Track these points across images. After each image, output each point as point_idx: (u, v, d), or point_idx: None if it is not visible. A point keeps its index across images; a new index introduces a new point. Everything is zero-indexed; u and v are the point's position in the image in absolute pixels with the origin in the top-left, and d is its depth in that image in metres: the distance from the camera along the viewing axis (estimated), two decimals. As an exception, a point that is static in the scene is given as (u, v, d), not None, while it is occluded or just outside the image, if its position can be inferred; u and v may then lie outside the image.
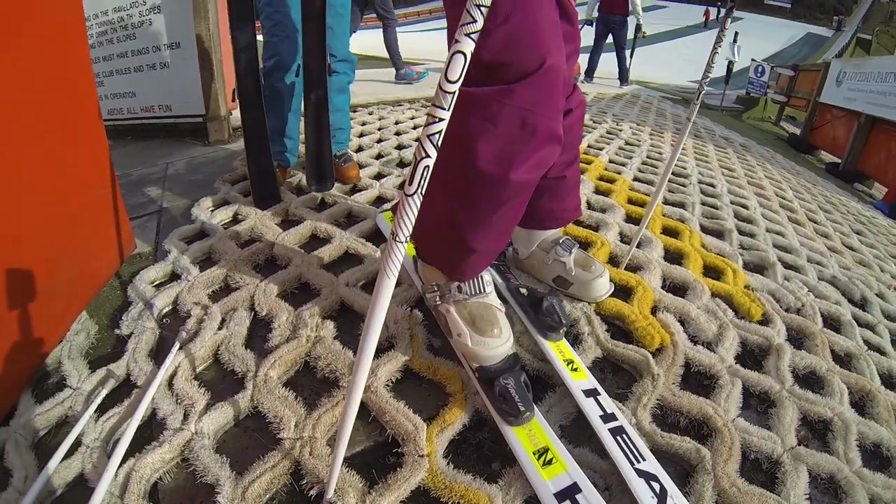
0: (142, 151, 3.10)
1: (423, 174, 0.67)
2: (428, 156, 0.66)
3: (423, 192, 0.68)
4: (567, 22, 1.07)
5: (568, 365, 1.22)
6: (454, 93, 0.63)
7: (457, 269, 1.16)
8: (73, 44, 1.41)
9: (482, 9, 0.60)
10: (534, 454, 1.01)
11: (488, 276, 1.21)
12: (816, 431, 1.27)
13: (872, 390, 1.41)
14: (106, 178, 1.57)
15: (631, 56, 8.57)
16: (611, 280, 1.54)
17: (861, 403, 1.39)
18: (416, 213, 0.69)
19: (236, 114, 3.43)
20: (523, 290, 1.39)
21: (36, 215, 1.24)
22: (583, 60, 7.74)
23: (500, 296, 1.40)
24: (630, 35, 8.46)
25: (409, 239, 0.71)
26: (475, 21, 0.61)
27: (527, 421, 1.06)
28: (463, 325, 1.14)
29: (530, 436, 1.05)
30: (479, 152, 0.94)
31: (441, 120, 0.64)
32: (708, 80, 1.38)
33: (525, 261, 1.56)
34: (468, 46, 0.62)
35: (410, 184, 0.67)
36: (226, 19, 3.15)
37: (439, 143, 0.65)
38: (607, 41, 8.13)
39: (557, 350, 1.26)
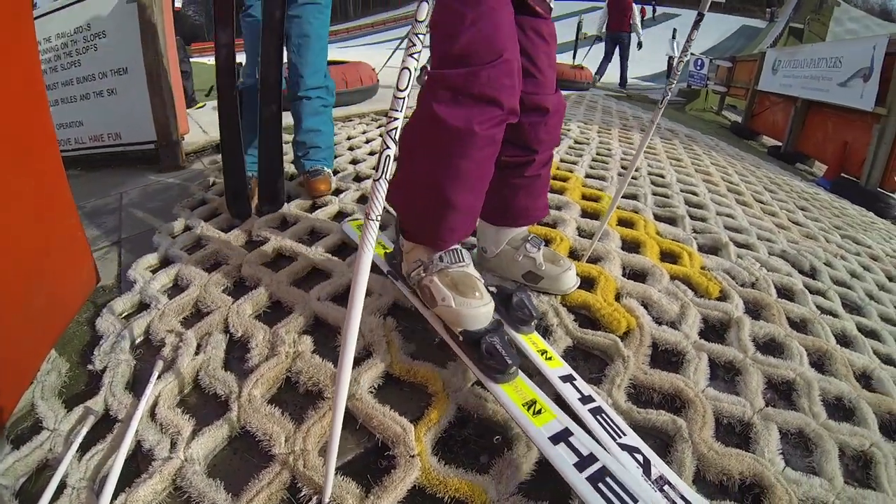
0: (93, 182, 3.04)
1: (385, 163, 0.83)
2: (388, 147, 0.83)
3: (388, 177, 0.84)
4: (541, 38, 1.33)
5: (542, 355, 1.26)
6: (404, 98, 0.82)
7: (439, 235, 1.25)
8: (27, 72, 1.38)
9: (420, 36, 0.82)
10: (523, 406, 1.07)
11: (466, 252, 1.30)
12: (782, 392, 1.35)
13: (829, 350, 1.50)
14: (66, 210, 1.54)
15: (573, 58, 9.24)
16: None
17: (820, 363, 1.48)
18: (383, 195, 0.83)
19: (189, 138, 3.45)
20: (492, 289, 1.42)
21: None
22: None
23: None
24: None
25: (379, 217, 0.84)
26: (415, 45, 0.82)
27: (514, 376, 1.12)
28: (446, 290, 1.21)
29: (517, 390, 1.10)
30: (450, 115, 1.11)
31: (396, 119, 0.83)
32: (674, 85, 1.53)
33: (493, 259, 1.60)
34: (412, 64, 0.83)
35: (377, 171, 0.83)
36: (173, 44, 3.15)
37: (397, 137, 0.83)
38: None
39: (531, 342, 1.30)
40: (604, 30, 10.71)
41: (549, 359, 1.25)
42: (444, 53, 1.12)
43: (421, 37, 0.83)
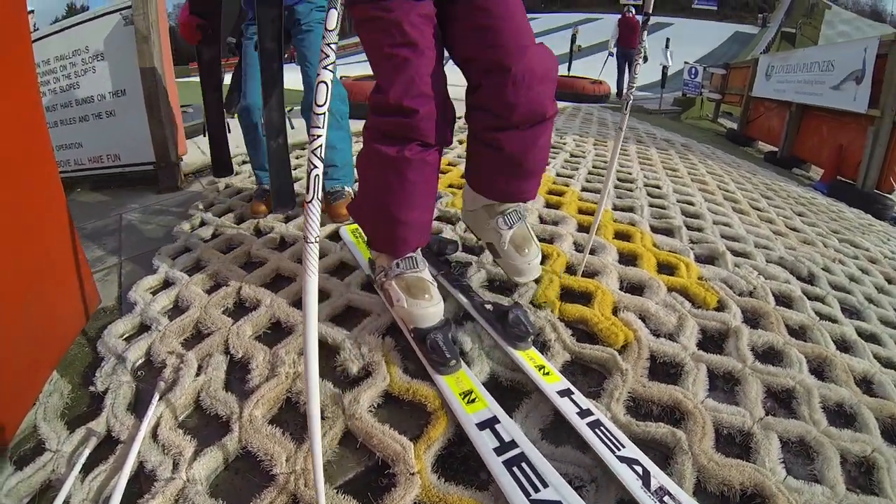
0: (93, 203, 3.07)
1: (315, 183, 0.84)
2: (316, 167, 0.84)
3: (320, 197, 0.85)
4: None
5: (539, 370, 1.27)
6: (324, 114, 0.84)
7: (395, 245, 1.37)
8: (25, 94, 1.40)
9: (332, 46, 0.84)
10: (460, 395, 1.20)
11: (421, 258, 1.41)
12: (781, 401, 1.35)
13: (829, 356, 1.51)
14: (65, 232, 1.55)
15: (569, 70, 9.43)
16: (563, 287, 1.65)
17: (820, 369, 1.49)
18: (318, 217, 0.85)
19: (187, 159, 3.48)
20: (488, 307, 1.44)
21: None
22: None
23: (466, 313, 1.51)
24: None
25: (317, 239, 0.85)
26: (328, 56, 0.84)
27: (454, 370, 1.28)
28: (401, 292, 1.35)
29: (457, 382, 1.25)
30: (384, 148, 1.25)
31: (319, 136, 0.84)
32: (633, 89, 1.53)
33: (471, 212, 1.56)
34: (327, 77, 0.84)
35: (308, 192, 0.84)
36: (170, 66, 3.18)
37: (322, 154, 0.84)
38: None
39: (528, 358, 1.32)
40: (615, 46, 11.42)
41: (547, 374, 1.27)
42: (375, 103, 1.25)
43: (334, 46, 0.84)
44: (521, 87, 1.22)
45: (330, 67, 0.84)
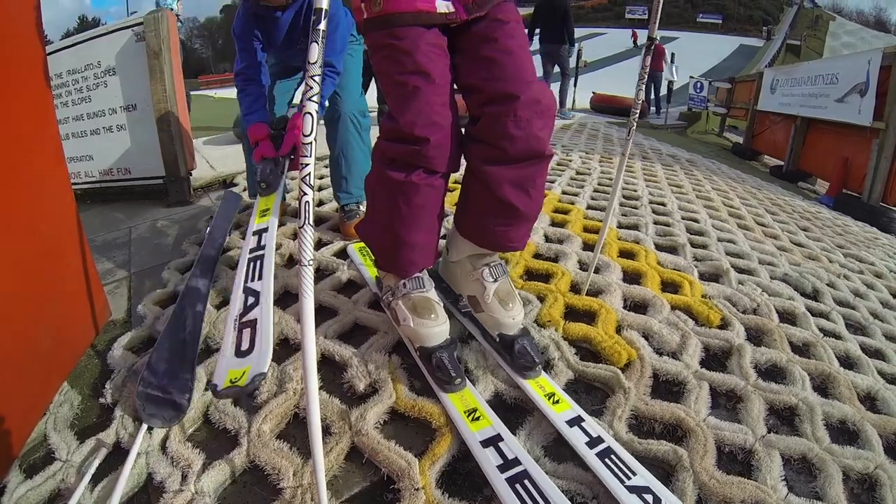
0: (103, 216, 3.11)
1: (306, 208, 0.88)
2: (306, 194, 0.88)
3: (311, 222, 0.90)
4: (497, 21, 1.30)
5: (549, 398, 1.28)
6: (311, 143, 0.88)
7: (401, 266, 1.40)
8: (40, 106, 1.43)
9: (316, 78, 0.89)
10: (464, 413, 1.23)
11: (428, 279, 1.44)
12: (784, 418, 1.36)
13: (832, 373, 1.51)
14: (78, 244, 1.57)
15: (575, 84, 9.42)
16: (568, 306, 1.68)
17: (823, 386, 1.49)
18: (311, 241, 0.90)
19: (196, 174, 3.52)
20: (496, 337, 1.45)
21: (8, 285, 1.24)
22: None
23: (476, 342, 1.52)
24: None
25: (311, 262, 0.91)
26: (312, 88, 0.88)
27: (459, 388, 1.30)
28: (407, 312, 1.38)
29: (462, 400, 1.28)
30: (392, 171, 1.28)
31: (307, 165, 0.88)
32: (636, 116, 1.57)
33: (452, 264, 1.54)
34: (312, 108, 0.88)
35: (300, 218, 0.89)
36: (181, 81, 3.24)
37: (312, 182, 0.88)
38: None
39: (537, 386, 1.33)
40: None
41: (557, 402, 1.27)
42: (386, 129, 1.29)
43: (317, 78, 0.88)
44: (522, 120, 1.21)
45: (315, 99, 0.87)
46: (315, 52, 0.86)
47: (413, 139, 1.23)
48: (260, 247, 1.57)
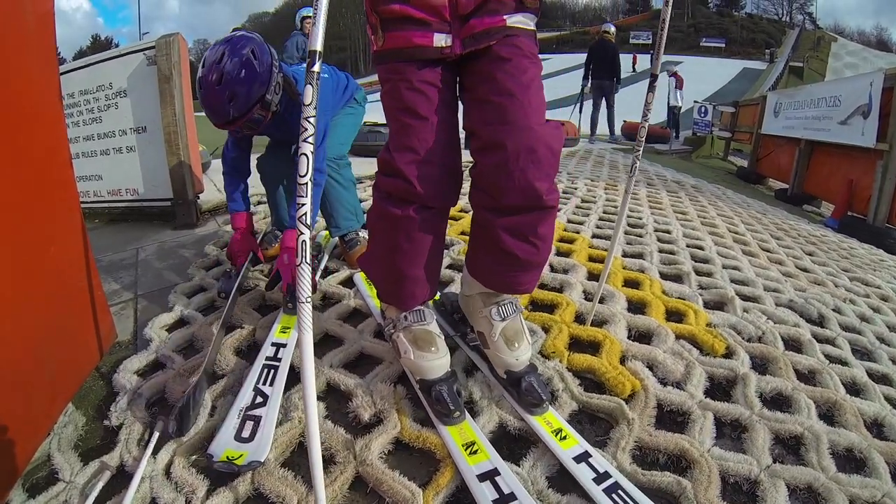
0: (110, 236, 3.15)
1: (303, 247, 0.92)
2: (302, 233, 0.92)
3: (308, 261, 0.93)
4: (498, 58, 1.27)
5: (556, 435, 1.29)
6: (306, 184, 0.91)
7: (402, 299, 1.42)
8: (52, 125, 1.44)
9: (311, 119, 0.90)
10: (462, 446, 1.24)
11: (429, 311, 1.46)
12: (790, 447, 1.36)
13: (838, 400, 1.52)
14: (85, 265, 1.57)
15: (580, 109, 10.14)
16: (572, 337, 1.69)
17: (829, 414, 1.50)
18: (308, 277, 0.92)
19: (204, 197, 3.58)
20: (503, 376, 1.45)
21: (17, 305, 1.23)
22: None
23: (483, 379, 1.52)
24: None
25: (308, 299, 0.93)
26: (307, 129, 0.90)
27: (458, 420, 1.32)
28: (408, 344, 1.40)
29: (461, 433, 1.29)
30: (391, 207, 1.30)
31: (304, 205, 0.92)
32: (640, 153, 1.60)
33: (467, 297, 1.54)
34: (308, 149, 0.91)
35: (297, 256, 0.92)
36: (191, 105, 3.31)
37: (308, 221, 0.92)
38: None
39: (544, 422, 1.33)
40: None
41: (564, 438, 1.28)
42: (380, 162, 1.32)
43: (312, 120, 0.91)
44: (515, 171, 1.15)
45: (310, 140, 0.91)
46: (310, 94, 0.90)
47: (402, 175, 1.25)
48: (276, 358, 1.59)
